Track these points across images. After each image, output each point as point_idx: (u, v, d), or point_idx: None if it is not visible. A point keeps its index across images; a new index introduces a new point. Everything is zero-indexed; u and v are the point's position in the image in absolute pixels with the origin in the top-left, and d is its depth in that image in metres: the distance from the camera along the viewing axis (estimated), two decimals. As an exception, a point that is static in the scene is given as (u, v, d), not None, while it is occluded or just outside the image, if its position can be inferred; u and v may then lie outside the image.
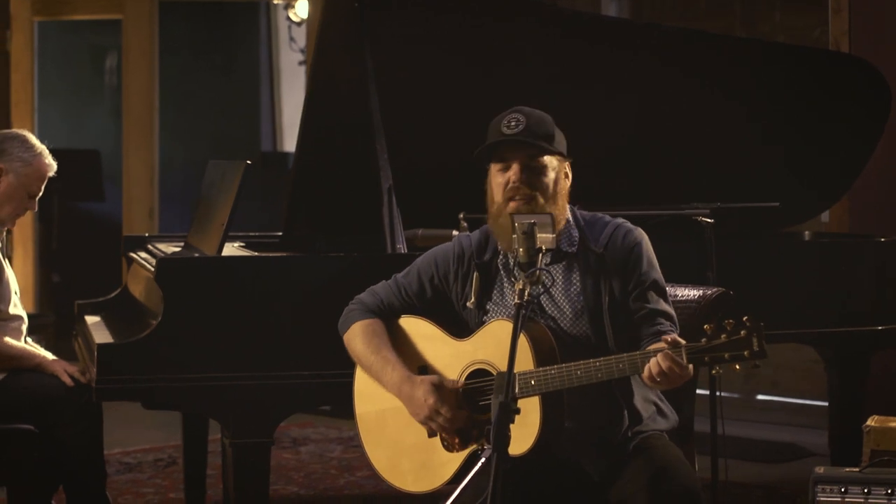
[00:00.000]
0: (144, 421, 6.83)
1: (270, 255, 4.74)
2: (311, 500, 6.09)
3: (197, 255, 4.81)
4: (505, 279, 3.82)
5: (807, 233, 6.08)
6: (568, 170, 3.85)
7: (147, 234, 5.57)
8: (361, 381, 3.94)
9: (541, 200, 3.74)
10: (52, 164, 4.91)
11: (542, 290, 3.66)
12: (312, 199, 5.31)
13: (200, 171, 5.26)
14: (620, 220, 3.88)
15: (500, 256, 3.84)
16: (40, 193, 4.92)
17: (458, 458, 3.73)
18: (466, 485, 3.36)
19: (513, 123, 3.75)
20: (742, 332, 3.34)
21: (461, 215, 4.88)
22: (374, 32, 4.85)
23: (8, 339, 4.85)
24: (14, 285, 4.99)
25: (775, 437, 7.40)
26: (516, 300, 3.36)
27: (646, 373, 3.46)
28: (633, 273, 3.75)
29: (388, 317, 3.94)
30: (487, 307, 3.82)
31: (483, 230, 3.91)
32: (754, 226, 5.58)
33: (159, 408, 4.41)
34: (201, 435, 5.62)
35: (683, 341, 3.45)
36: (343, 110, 5.01)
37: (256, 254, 4.82)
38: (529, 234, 3.42)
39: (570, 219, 3.84)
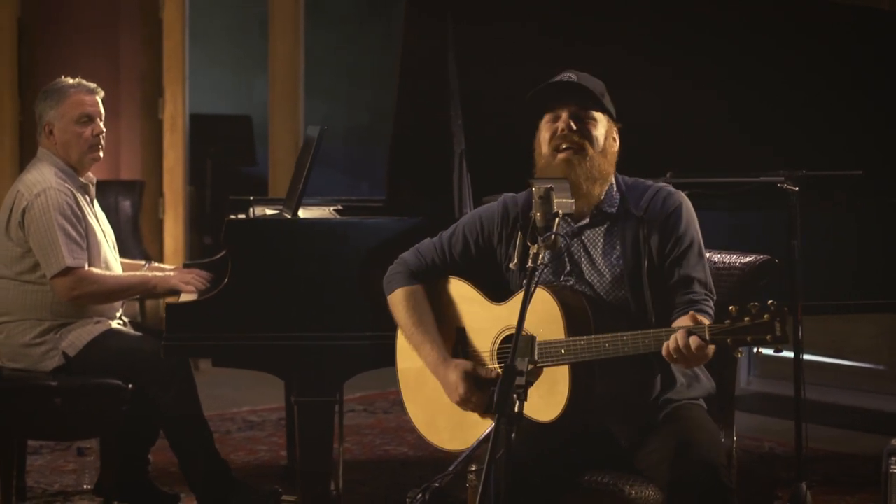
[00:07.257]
0: (276, 380, 6.97)
1: (335, 217, 4.81)
2: (416, 461, 6.15)
3: (271, 217, 4.92)
4: None
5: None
6: (616, 134, 3.83)
7: (252, 197, 5.67)
8: (403, 338, 3.99)
9: (590, 150, 3.75)
10: (79, 86, 5.01)
11: (561, 251, 3.69)
12: (409, 164, 5.35)
13: (358, 138, 5.25)
14: (662, 184, 3.85)
15: None
16: (91, 112, 4.99)
17: (491, 420, 3.75)
18: (480, 444, 3.42)
19: (565, 78, 3.78)
20: (766, 316, 3.29)
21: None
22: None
23: (107, 273, 4.97)
24: (107, 241, 5.10)
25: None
26: (529, 264, 3.37)
27: (664, 350, 3.44)
28: (672, 235, 3.72)
29: (431, 278, 3.96)
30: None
31: (530, 191, 3.90)
32: (864, 195, 5.46)
33: (226, 366, 4.55)
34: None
35: (707, 321, 3.43)
36: (432, 78, 5.03)
37: (333, 217, 4.89)
38: (546, 199, 3.42)
39: (614, 182, 3.82)
